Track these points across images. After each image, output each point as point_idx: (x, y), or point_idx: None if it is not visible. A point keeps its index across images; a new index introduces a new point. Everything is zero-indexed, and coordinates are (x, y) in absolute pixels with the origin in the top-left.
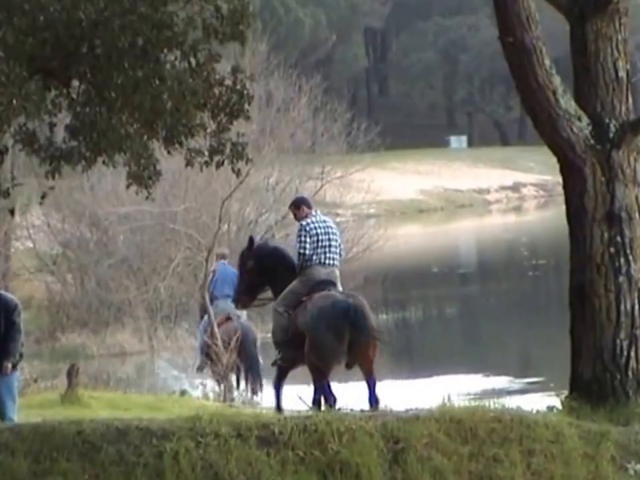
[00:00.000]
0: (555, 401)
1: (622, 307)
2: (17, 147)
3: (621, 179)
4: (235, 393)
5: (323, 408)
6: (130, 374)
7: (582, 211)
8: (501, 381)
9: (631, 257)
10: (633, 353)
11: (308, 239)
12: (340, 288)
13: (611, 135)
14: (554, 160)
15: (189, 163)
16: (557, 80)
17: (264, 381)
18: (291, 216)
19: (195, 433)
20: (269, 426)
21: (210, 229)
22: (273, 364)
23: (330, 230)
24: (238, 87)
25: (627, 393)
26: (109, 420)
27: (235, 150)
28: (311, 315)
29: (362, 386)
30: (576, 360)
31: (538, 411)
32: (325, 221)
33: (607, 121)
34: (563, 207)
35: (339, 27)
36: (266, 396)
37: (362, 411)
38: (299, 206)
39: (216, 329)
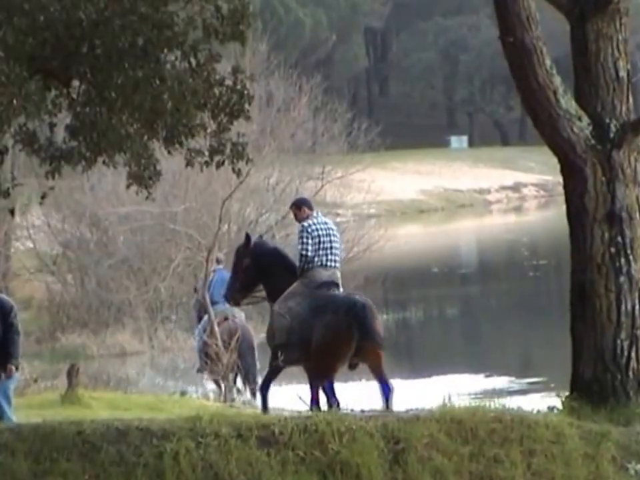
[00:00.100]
0: (556, 401)
1: (622, 307)
2: (17, 147)
3: (622, 179)
4: (235, 393)
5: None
6: (130, 374)
7: (582, 211)
8: (501, 381)
9: (631, 257)
10: (633, 353)
11: (310, 241)
12: (342, 289)
13: (612, 135)
14: (554, 160)
15: (189, 163)
16: (557, 80)
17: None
18: (291, 216)
19: (195, 434)
20: (269, 426)
21: (210, 229)
22: (275, 365)
23: (331, 232)
24: (238, 87)
25: (628, 393)
26: (109, 420)
27: (235, 150)
28: (318, 315)
29: (362, 386)
30: (577, 360)
31: (538, 411)
32: (325, 223)
33: (607, 121)
34: (564, 207)
35: (339, 26)
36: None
37: (362, 411)
38: (300, 207)
39: (216, 329)
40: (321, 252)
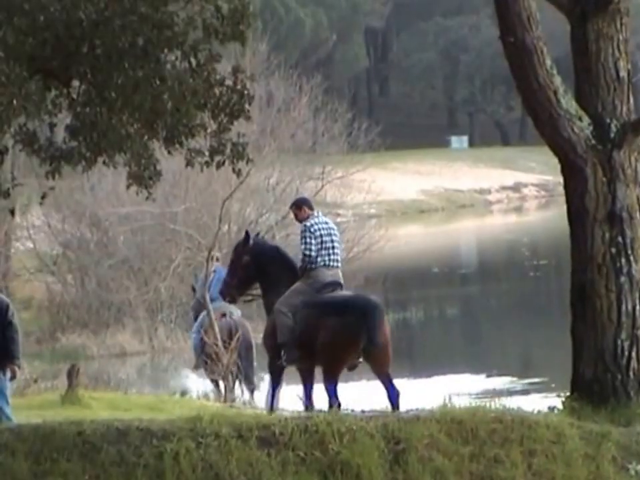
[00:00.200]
0: (556, 402)
1: (623, 307)
2: (17, 147)
3: (622, 179)
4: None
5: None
6: (130, 374)
7: (583, 211)
8: (502, 382)
9: (632, 257)
10: (634, 354)
11: (313, 241)
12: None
13: (612, 135)
14: (555, 160)
15: (189, 163)
16: (557, 80)
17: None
18: (292, 216)
19: (195, 434)
20: (269, 427)
21: (210, 230)
22: (277, 365)
23: (332, 231)
24: (238, 87)
25: (628, 393)
26: (110, 420)
27: (236, 150)
28: (326, 315)
29: (362, 386)
30: (577, 360)
31: (539, 412)
32: (326, 222)
33: (608, 121)
34: (564, 207)
35: (339, 27)
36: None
37: (363, 411)
38: (300, 206)
39: (217, 329)
40: (323, 252)
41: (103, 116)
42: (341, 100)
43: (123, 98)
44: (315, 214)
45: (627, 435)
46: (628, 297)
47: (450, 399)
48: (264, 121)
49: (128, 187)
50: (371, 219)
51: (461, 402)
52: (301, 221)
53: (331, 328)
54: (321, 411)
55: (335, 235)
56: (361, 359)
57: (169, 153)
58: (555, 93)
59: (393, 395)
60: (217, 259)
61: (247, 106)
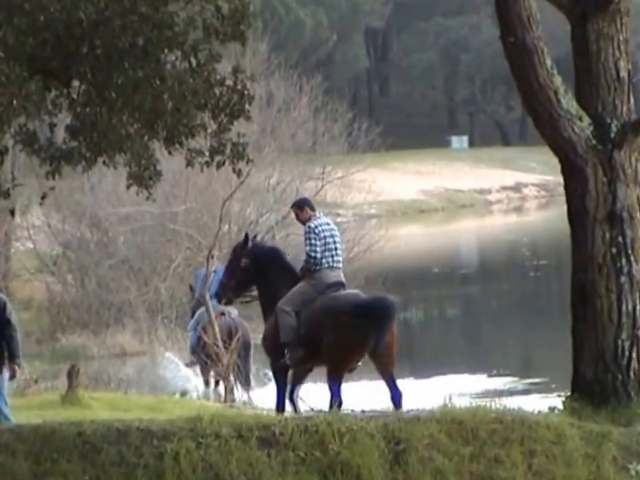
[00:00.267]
0: (557, 402)
1: (623, 307)
2: (17, 148)
3: (623, 179)
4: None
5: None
6: (130, 375)
7: (583, 211)
8: (502, 382)
9: (632, 258)
10: (634, 354)
11: (318, 242)
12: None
13: (613, 135)
14: (555, 160)
15: (189, 164)
16: (558, 80)
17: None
18: (292, 216)
19: (195, 434)
20: (269, 427)
21: (211, 230)
22: (281, 364)
23: (334, 232)
24: (238, 87)
25: (629, 393)
26: (110, 421)
27: (236, 150)
28: (333, 315)
29: (362, 386)
30: (577, 360)
31: (539, 412)
32: (328, 223)
33: (608, 121)
34: (565, 207)
35: (339, 26)
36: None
37: (363, 411)
38: (302, 207)
39: (217, 329)
40: (327, 253)
41: (103, 116)
42: (341, 100)
43: (123, 98)
44: (317, 215)
45: (627, 435)
46: (628, 297)
47: (450, 399)
48: (264, 121)
49: (128, 187)
50: (371, 219)
51: (461, 402)
52: (302, 222)
53: (341, 328)
54: (320, 411)
55: (337, 235)
56: (360, 363)
57: (169, 153)
58: (556, 93)
59: (396, 396)
60: (216, 258)
61: (247, 106)
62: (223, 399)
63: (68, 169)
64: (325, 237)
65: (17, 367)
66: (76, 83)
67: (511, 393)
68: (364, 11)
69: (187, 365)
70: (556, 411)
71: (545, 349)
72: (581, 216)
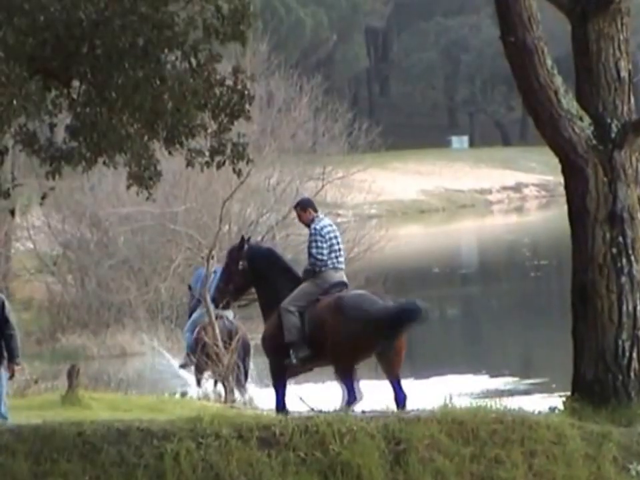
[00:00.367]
0: (557, 402)
1: (624, 307)
2: (17, 148)
3: (623, 179)
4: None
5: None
6: (130, 375)
7: (584, 212)
8: (502, 382)
9: (633, 258)
10: (635, 354)
11: (325, 244)
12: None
13: (613, 135)
14: (556, 160)
15: (189, 164)
16: (558, 80)
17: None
18: (292, 216)
19: (195, 434)
20: (270, 427)
21: (211, 230)
22: (285, 364)
23: (337, 233)
24: (239, 87)
25: (629, 393)
26: (110, 421)
27: (236, 150)
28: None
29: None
30: (578, 361)
31: (540, 412)
32: (331, 225)
33: (608, 121)
34: (565, 208)
35: (340, 26)
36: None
37: (363, 412)
38: (305, 208)
39: (217, 330)
40: (332, 255)
41: (103, 116)
42: (342, 100)
43: (123, 98)
44: (320, 216)
45: (627, 435)
46: (629, 298)
47: (450, 399)
48: (264, 121)
49: (128, 187)
50: (371, 219)
51: (462, 402)
52: (305, 223)
53: (352, 328)
54: (320, 410)
55: (339, 236)
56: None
57: (169, 153)
58: (556, 93)
59: (400, 397)
60: (217, 258)
61: (247, 106)
62: (223, 399)
63: (68, 169)
64: (330, 239)
65: (15, 367)
66: (76, 83)
67: (511, 393)
68: (364, 11)
69: (181, 366)
70: (556, 411)
71: (545, 349)
72: (581, 216)
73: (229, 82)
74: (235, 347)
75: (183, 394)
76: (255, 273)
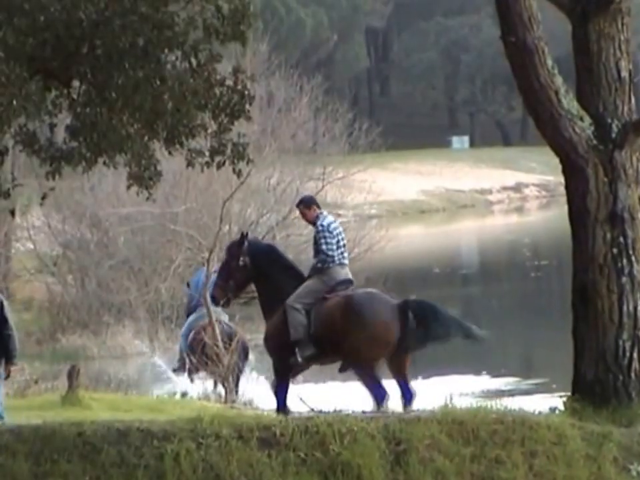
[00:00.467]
0: (558, 402)
1: (624, 307)
2: (17, 148)
3: (624, 180)
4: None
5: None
6: (131, 375)
7: (584, 212)
8: (503, 382)
9: (633, 258)
10: (635, 354)
11: (333, 240)
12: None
13: (614, 135)
14: (556, 160)
15: (189, 164)
16: (559, 80)
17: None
18: (292, 217)
19: (196, 435)
20: (270, 427)
21: (211, 230)
22: (291, 363)
23: (341, 229)
24: (239, 87)
25: (630, 394)
26: (110, 421)
27: (236, 150)
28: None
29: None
30: (578, 361)
31: (540, 413)
32: (335, 221)
33: (609, 121)
34: (565, 208)
35: (340, 26)
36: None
37: (363, 412)
38: (310, 206)
39: (217, 330)
40: (337, 251)
41: (103, 116)
42: (342, 100)
43: (124, 98)
44: (324, 213)
45: (628, 435)
46: (629, 298)
47: (451, 399)
48: (264, 121)
49: (128, 187)
50: (371, 219)
51: (462, 403)
52: (309, 220)
53: (374, 326)
54: (320, 411)
55: (342, 233)
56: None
57: (170, 153)
58: (556, 93)
59: (408, 395)
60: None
61: (247, 106)
62: (223, 399)
63: (68, 169)
64: (336, 235)
65: (12, 367)
66: (76, 83)
67: (511, 393)
68: (364, 11)
69: (174, 371)
70: (557, 412)
71: (546, 349)
72: (581, 216)
73: (229, 82)
74: (235, 348)
75: (183, 394)
76: (256, 269)
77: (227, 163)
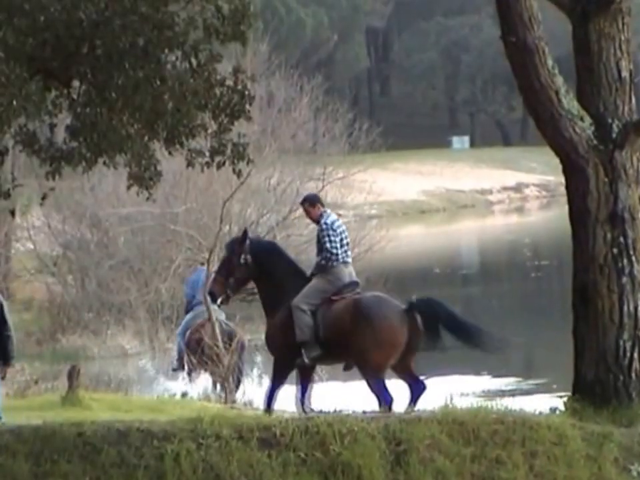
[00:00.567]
0: (558, 403)
1: (625, 308)
2: (17, 148)
3: (624, 180)
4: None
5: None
6: (131, 375)
7: (585, 212)
8: (503, 382)
9: (634, 258)
10: (636, 354)
11: (337, 238)
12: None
13: (614, 135)
14: (556, 160)
15: (189, 164)
16: (559, 80)
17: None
18: (292, 217)
19: (196, 435)
20: (270, 428)
21: (211, 230)
22: (298, 363)
23: (344, 228)
24: (239, 87)
25: (630, 394)
26: (110, 422)
27: (236, 150)
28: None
29: (362, 386)
30: (579, 361)
31: (541, 413)
32: (338, 219)
33: (609, 121)
34: (566, 208)
35: (340, 26)
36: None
37: (364, 412)
38: (315, 204)
39: (217, 330)
40: (341, 249)
41: (104, 116)
42: (342, 100)
43: (124, 98)
44: (328, 211)
45: (628, 435)
46: (630, 298)
47: (451, 399)
48: (264, 121)
49: (128, 187)
50: (372, 219)
51: (463, 403)
52: (313, 219)
53: (387, 328)
54: (320, 411)
55: (346, 231)
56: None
57: (170, 153)
58: (557, 93)
59: (419, 390)
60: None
61: (247, 106)
62: (223, 399)
63: (68, 169)
64: (340, 233)
65: (8, 368)
66: (76, 83)
67: (512, 393)
68: (365, 11)
69: (174, 370)
70: (557, 412)
71: (546, 349)
72: (582, 216)
73: (230, 82)
74: (235, 348)
75: (184, 394)
76: (258, 267)
77: (227, 163)
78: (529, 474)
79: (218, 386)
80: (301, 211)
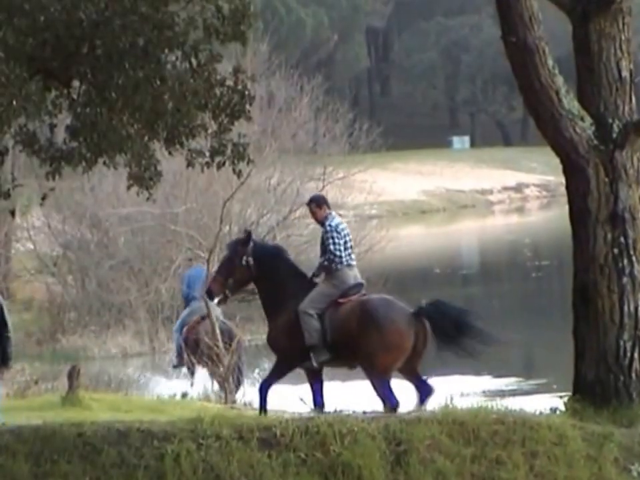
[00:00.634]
0: (558, 403)
1: (625, 308)
2: (17, 148)
3: (624, 180)
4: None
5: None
6: (131, 376)
7: (585, 212)
8: (503, 383)
9: (634, 258)
10: (636, 355)
11: (341, 241)
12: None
13: (614, 135)
14: (557, 160)
15: (190, 164)
16: (559, 80)
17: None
18: (293, 217)
19: (196, 435)
20: (270, 428)
21: (211, 230)
22: (306, 367)
23: (348, 230)
24: (239, 87)
25: (630, 394)
26: (110, 422)
27: (236, 151)
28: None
29: (362, 386)
30: (579, 361)
31: (541, 413)
32: (342, 222)
33: (610, 121)
34: (566, 208)
35: (340, 26)
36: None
37: (364, 412)
38: (321, 205)
39: (217, 330)
40: (345, 252)
41: (104, 116)
42: (342, 100)
43: (124, 98)
44: (332, 213)
45: (629, 436)
46: (630, 298)
47: (451, 400)
48: (265, 121)
49: (128, 187)
50: (372, 219)
51: (463, 403)
52: (319, 220)
53: (396, 331)
54: (321, 412)
55: (349, 234)
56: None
57: (170, 153)
58: (557, 93)
59: (426, 392)
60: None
61: (247, 106)
62: (223, 400)
63: (68, 169)
64: (344, 236)
65: (6, 369)
66: (76, 83)
67: (512, 393)
68: (365, 11)
69: (174, 367)
70: (557, 412)
71: (547, 349)
72: (582, 216)
73: (230, 82)
74: (235, 348)
75: (184, 395)
76: (259, 271)
77: (227, 163)
78: (529, 474)
79: (216, 385)
80: (300, 211)
